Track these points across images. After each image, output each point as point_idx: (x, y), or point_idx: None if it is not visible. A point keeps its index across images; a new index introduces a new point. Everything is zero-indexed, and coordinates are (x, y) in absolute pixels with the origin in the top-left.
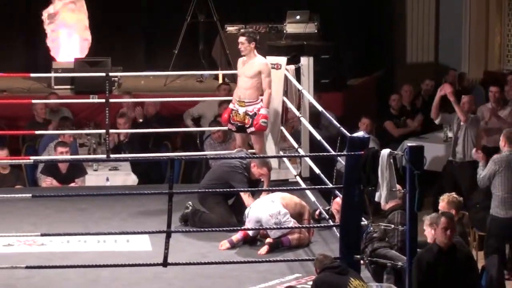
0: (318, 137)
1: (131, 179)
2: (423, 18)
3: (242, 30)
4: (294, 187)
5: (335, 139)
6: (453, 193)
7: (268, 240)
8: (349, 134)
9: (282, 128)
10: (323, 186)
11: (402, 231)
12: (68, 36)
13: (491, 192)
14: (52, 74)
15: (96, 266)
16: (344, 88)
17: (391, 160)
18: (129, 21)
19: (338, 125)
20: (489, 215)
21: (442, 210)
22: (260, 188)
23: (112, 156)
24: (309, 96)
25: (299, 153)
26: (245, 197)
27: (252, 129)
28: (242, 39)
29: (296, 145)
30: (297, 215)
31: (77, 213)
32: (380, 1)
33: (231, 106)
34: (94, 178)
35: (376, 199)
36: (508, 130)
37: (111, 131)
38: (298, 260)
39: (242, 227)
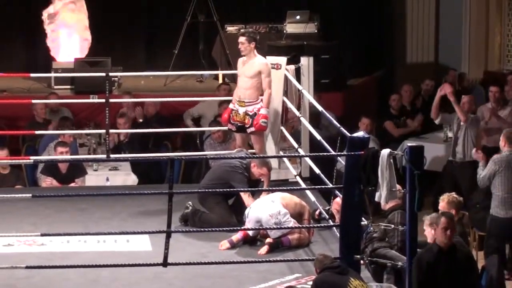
0: (318, 137)
1: (131, 179)
2: (423, 18)
3: (242, 30)
4: (294, 187)
5: (335, 139)
6: (453, 193)
7: (268, 240)
8: (349, 134)
9: (282, 128)
10: (323, 186)
11: (402, 231)
12: (68, 36)
13: (491, 192)
14: (52, 74)
15: (96, 266)
16: (344, 88)
17: (391, 160)
18: (129, 21)
19: (338, 125)
20: (489, 215)
21: (442, 210)
22: (260, 188)
23: (112, 156)
24: (309, 96)
25: (299, 153)
26: (245, 197)
27: (252, 129)
28: (242, 39)
29: (296, 145)
30: (297, 215)
31: (77, 213)
32: (380, 1)
33: (231, 106)
34: (94, 178)
35: (376, 199)
36: (508, 130)
37: (111, 131)
38: (298, 260)
39: (242, 227)
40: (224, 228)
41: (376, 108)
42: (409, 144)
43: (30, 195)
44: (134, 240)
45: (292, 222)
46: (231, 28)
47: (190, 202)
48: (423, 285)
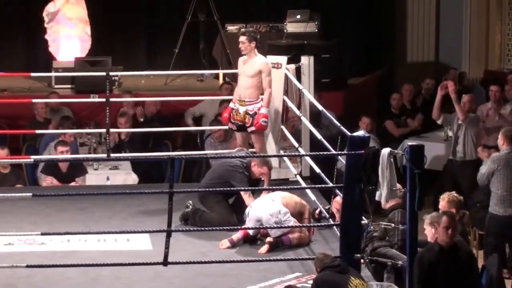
0: (319, 136)
1: (132, 178)
2: (423, 17)
3: (242, 30)
4: (295, 186)
5: (335, 138)
6: (454, 192)
7: (268, 239)
8: (349, 133)
9: (283, 127)
10: (323, 185)
11: (402, 230)
12: (68, 35)
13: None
14: (53, 74)
15: (96, 265)
16: (345, 87)
17: (392, 159)
18: (130, 21)
19: (339, 124)
20: (488, 213)
21: (442, 209)
22: (260, 187)
23: (112, 155)
24: (309, 95)
25: (299, 152)
26: (245, 196)
27: (253, 128)
28: (242, 38)
29: (296, 144)
30: (298, 214)
31: (78, 212)
32: (381, 0)
33: (231, 105)
34: (94, 177)
35: (377, 198)
36: (507, 129)
37: (111, 130)
38: (298, 259)
39: (243, 226)
40: (225, 227)
41: (377, 107)
42: (409, 143)
43: (31, 194)
44: (134, 239)
45: (292, 221)
46: (231, 28)
47: (190, 201)
48: (425, 284)
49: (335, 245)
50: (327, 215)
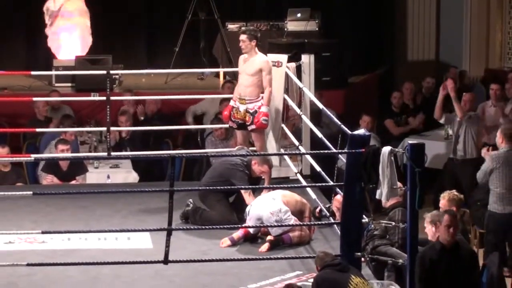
0: (319, 134)
1: (132, 177)
2: (424, 16)
3: (243, 28)
4: (295, 185)
5: (336, 137)
6: (454, 190)
7: (269, 237)
8: (350, 132)
9: (283, 125)
10: (324, 184)
11: (403, 228)
12: (69, 33)
13: None
14: (53, 72)
15: (97, 263)
16: (345, 85)
17: (392, 158)
18: (130, 19)
19: (339, 123)
20: (487, 211)
21: (442, 208)
22: (261, 186)
23: (113, 153)
24: (310, 94)
25: (300, 150)
26: (245, 195)
27: (253, 126)
28: (243, 37)
29: (297, 143)
30: (298, 213)
31: (78, 211)
32: None
33: (231, 103)
34: (95, 175)
35: (377, 196)
36: (505, 127)
37: (112, 128)
38: (299, 258)
39: (243, 225)
40: (225, 226)
41: (377, 105)
42: (410, 142)
43: (31, 192)
44: (135, 237)
45: (293, 220)
46: (232, 26)
47: (191, 200)
48: (426, 282)
49: (335, 243)
50: (328, 214)
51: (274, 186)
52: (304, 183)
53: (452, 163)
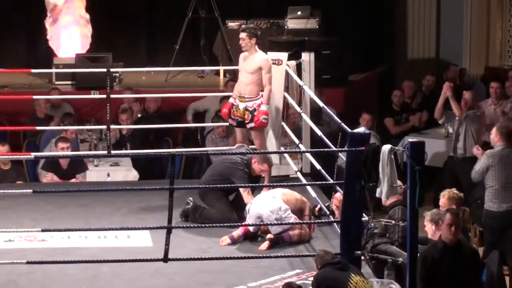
0: (319, 133)
1: (132, 175)
2: (424, 14)
3: (243, 26)
4: (295, 183)
5: (336, 135)
6: (454, 189)
7: (269, 236)
8: (350, 130)
9: (283, 123)
10: (324, 182)
11: (403, 227)
12: (69, 31)
13: None
14: (53, 70)
15: (97, 261)
16: (345, 83)
17: (392, 156)
18: (130, 17)
19: (339, 121)
20: (483, 209)
21: (442, 206)
22: (261, 184)
23: (113, 151)
24: (310, 92)
25: (300, 149)
26: (244, 194)
27: (252, 124)
28: (243, 35)
29: (297, 141)
30: (298, 211)
31: (78, 209)
32: None
33: (231, 100)
34: (95, 173)
35: (377, 195)
36: (501, 125)
37: (112, 126)
38: (299, 256)
39: (243, 223)
40: (225, 224)
41: (377, 104)
42: (410, 140)
43: (31, 190)
44: (135, 235)
45: (293, 218)
46: (232, 24)
47: (191, 198)
48: (428, 281)
49: (335, 242)
50: (328, 212)
51: (274, 184)
52: (304, 181)
53: (452, 161)
